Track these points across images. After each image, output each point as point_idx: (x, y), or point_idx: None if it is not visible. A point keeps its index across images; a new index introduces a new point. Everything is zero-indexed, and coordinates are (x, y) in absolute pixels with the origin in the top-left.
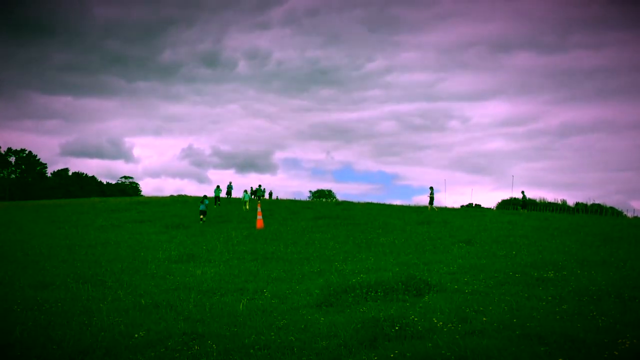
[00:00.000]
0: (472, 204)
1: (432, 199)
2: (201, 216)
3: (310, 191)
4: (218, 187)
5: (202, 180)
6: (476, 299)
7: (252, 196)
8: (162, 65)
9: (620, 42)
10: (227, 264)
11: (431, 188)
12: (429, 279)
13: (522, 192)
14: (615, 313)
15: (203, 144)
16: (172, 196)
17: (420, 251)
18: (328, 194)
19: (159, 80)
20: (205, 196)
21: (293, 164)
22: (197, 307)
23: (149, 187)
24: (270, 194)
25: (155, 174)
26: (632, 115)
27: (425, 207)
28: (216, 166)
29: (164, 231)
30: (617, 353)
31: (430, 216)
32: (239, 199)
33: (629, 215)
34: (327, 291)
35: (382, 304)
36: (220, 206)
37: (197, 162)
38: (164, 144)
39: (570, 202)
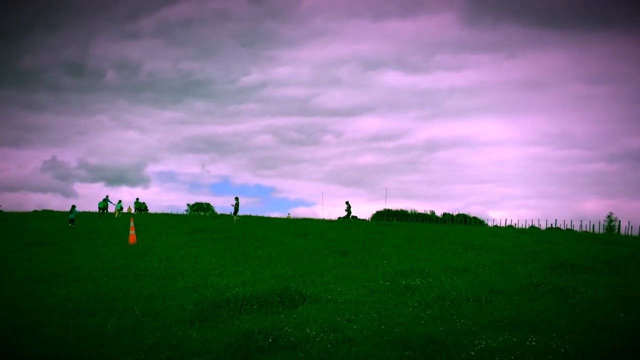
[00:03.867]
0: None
1: (236, 209)
2: (70, 224)
3: (188, 204)
4: (107, 197)
5: (68, 194)
6: (348, 308)
7: (135, 211)
8: (21, 71)
9: (478, 64)
10: (96, 282)
11: (236, 198)
12: (304, 290)
13: (347, 202)
14: (473, 316)
15: (68, 156)
16: (35, 211)
17: (296, 263)
18: (207, 207)
19: (17, 88)
20: (74, 206)
21: (168, 177)
22: (59, 328)
23: (7, 202)
24: (142, 207)
25: (13, 188)
26: (489, 133)
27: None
28: (83, 179)
29: (25, 249)
30: (473, 353)
31: (307, 229)
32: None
33: (490, 224)
34: (201, 306)
35: (256, 317)
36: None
37: (62, 176)
38: (23, 155)
39: (438, 213)
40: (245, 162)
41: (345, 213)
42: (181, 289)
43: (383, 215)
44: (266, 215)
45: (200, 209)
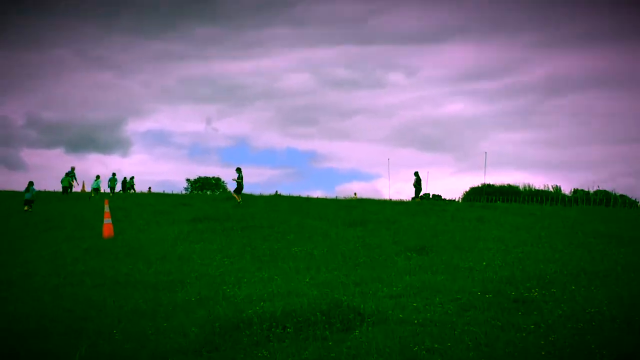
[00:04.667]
0: (429, 194)
1: (240, 185)
2: (25, 207)
3: (187, 180)
4: (72, 170)
5: (12, 165)
6: (429, 332)
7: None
8: None
9: None
10: (55, 292)
11: (238, 170)
12: (362, 306)
13: (416, 174)
14: (617, 342)
15: (12, 110)
16: None
17: (350, 265)
18: (215, 183)
19: None
20: (31, 182)
21: (158, 139)
22: None
23: None
24: (129, 183)
25: None
26: None
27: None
28: (33, 144)
29: None
30: None
31: (366, 215)
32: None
33: None
34: (210, 329)
35: (292, 344)
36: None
37: (3, 139)
38: None
39: (566, 189)
40: (271, 115)
41: (414, 190)
42: (180, 304)
43: (480, 194)
44: (304, 194)
45: (205, 186)
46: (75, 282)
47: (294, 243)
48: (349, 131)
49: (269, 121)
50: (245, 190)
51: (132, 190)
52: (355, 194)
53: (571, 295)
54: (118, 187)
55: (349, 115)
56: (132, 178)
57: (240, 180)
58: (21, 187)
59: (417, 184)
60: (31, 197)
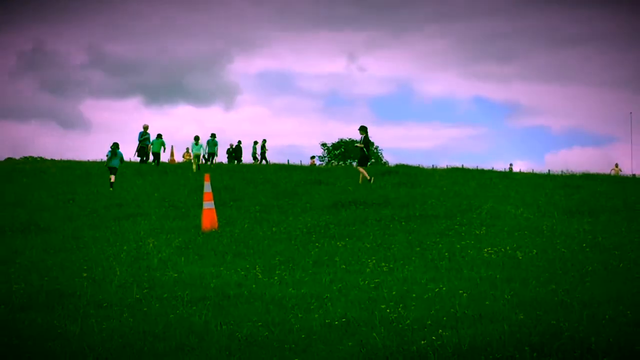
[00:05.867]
0: None
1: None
2: (111, 177)
3: (323, 145)
4: (197, 138)
5: (69, 122)
6: None
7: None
8: None
9: None
10: (136, 309)
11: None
12: (593, 339)
13: None
14: None
15: (66, 41)
16: (12, 159)
17: (573, 276)
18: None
19: None
20: (115, 145)
21: (277, 85)
22: None
23: None
24: (235, 150)
25: None
26: None
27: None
28: (97, 91)
29: None
30: None
31: (596, 199)
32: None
33: None
34: None
35: None
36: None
37: (57, 85)
38: None
39: None
40: (446, 46)
41: None
42: (317, 330)
43: None
44: (499, 165)
45: (350, 154)
46: (165, 296)
47: (485, 240)
48: (566, 70)
49: (444, 56)
50: (410, 159)
51: (259, 160)
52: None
53: None
54: (221, 156)
55: (568, 44)
56: (255, 143)
57: (364, 146)
58: (80, 154)
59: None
60: (117, 165)
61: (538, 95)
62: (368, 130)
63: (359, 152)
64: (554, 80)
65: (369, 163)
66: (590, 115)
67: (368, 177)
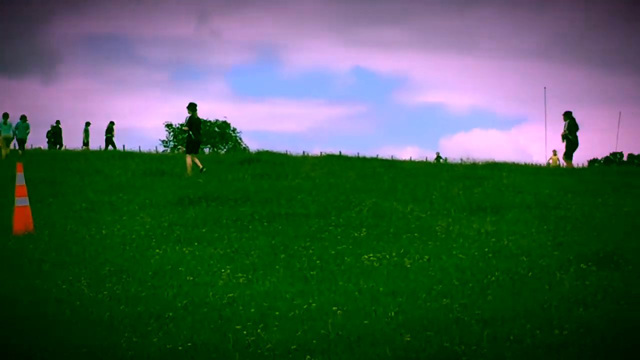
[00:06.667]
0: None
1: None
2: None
3: (168, 126)
4: None
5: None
6: None
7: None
8: None
9: None
10: None
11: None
12: None
13: (567, 114)
14: None
15: None
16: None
17: (471, 288)
18: (220, 132)
19: None
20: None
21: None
22: None
23: None
24: (54, 134)
25: None
26: None
27: None
28: None
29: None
30: None
31: (500, 194)
32: None
33: None
34: None
35: None
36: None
37: None
38: None
39: None
40: (320, 6)
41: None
42: (177, 353)
43: None
44: (385, 153)
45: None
46: None
47: (365, 245)
48: (465, 36)
49: (318, 18)
50: (275, 145)
51: (106, 147)
52: (438, 154)
53: None
54: (39, 141)
55: (468, 4)
56: (87, 125)
57: (189, 128)
58: None
59: (569, 135)
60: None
61: (432, 67)
62: (197, 108)
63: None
64: (450, 49)
65: (197, 150)
66: (495, 91)
67: (200, 166)
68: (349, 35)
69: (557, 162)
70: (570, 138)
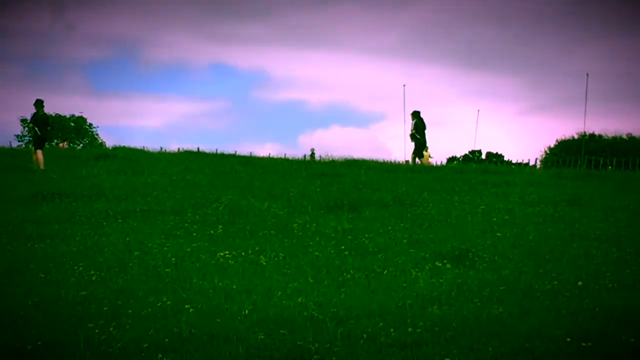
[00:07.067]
0: (479, 152)
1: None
2: None
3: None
4: None
5: None
6: None
7: None
8: None
9: None
10: None
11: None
12: None
13: (415, 115)
14: None
15: None
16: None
17: (327, 285)
18: (76, 127)
19: None
20: None
21: None
22: None
23: None
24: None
25: None
26: None
27: None
28: None
29: None
30: None
31: (359, 191)
32: None
33: None
34: None
35: None
36: None
37: None
38: None
39: None
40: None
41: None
42: (26, 353)
43: (577, 152)
44: (244, 149)
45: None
46: None
47: (221, 242)
48: (325, 32)
49: (176, 12)
50: (132, 140)
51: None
52: (312, 150)
53: None
54: None
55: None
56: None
57: (34, 125)
58: None
59: (417, 134)
60: None
61: (292, 64)
62: (44, 104)
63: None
64: (310, 45)
65: (43, 146)
66: (354, 89)
67: (41, 166)
68: (208, 30)
69: (429, 159)
70: (418, 137)
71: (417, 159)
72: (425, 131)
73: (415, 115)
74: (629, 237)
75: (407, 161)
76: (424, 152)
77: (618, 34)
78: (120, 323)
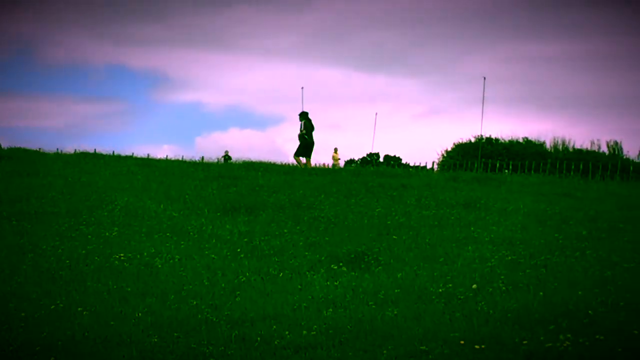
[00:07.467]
0: (377, 155)
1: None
2: None
3: None
4: None
5: None
6: None
7: None
8: None
9: None
10: None
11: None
12: None
13: (302, 116)
14: None
15: None
16: None
17: (222, 288)
18: None
19: None
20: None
21: None
22: None
23: None
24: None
25: None
26: None
27: None
28: None
29: None
30: None
31: (256, 194)
32: None
33: None
34: None
35: None
36: None
37: None
38: None
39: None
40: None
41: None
42: None
43: (474, 155)
44: (140, 151)
45: None
46: None
47: (116, 244)
48: (224, 33)
49: (71, 11)
50: (29, 142)
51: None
52: (227, 152)
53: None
54: None
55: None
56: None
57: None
58: None
59: (305, 135)
60: None
61: (189, 65)
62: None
63: None
64: (208, 47)
65: None
66: (253, 91)
67: None
68: (105, 30)
69: (338, 161)
70: (307, 138)
71: (302, 159)
72: (313, 132)
73: (303, 116)
74: (522, 240)
75: (296, 164)
76: (333, 154)
77: (514, 39)
78: (12, 326)
